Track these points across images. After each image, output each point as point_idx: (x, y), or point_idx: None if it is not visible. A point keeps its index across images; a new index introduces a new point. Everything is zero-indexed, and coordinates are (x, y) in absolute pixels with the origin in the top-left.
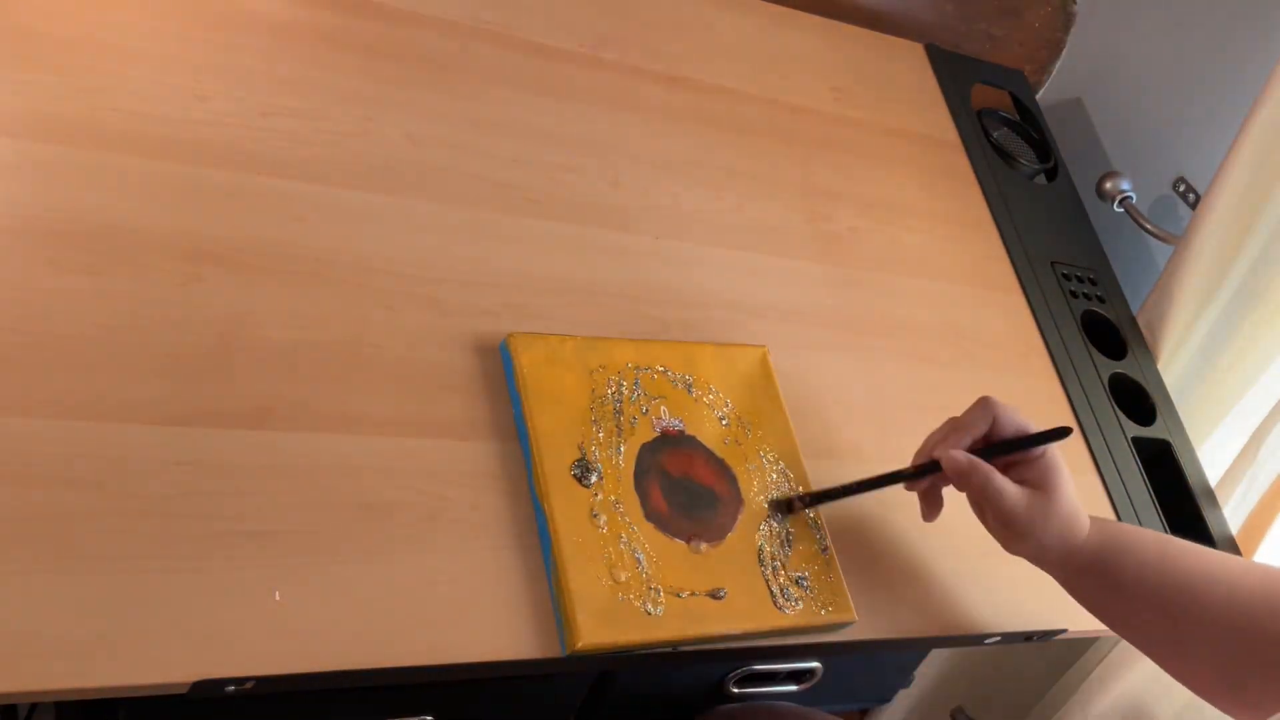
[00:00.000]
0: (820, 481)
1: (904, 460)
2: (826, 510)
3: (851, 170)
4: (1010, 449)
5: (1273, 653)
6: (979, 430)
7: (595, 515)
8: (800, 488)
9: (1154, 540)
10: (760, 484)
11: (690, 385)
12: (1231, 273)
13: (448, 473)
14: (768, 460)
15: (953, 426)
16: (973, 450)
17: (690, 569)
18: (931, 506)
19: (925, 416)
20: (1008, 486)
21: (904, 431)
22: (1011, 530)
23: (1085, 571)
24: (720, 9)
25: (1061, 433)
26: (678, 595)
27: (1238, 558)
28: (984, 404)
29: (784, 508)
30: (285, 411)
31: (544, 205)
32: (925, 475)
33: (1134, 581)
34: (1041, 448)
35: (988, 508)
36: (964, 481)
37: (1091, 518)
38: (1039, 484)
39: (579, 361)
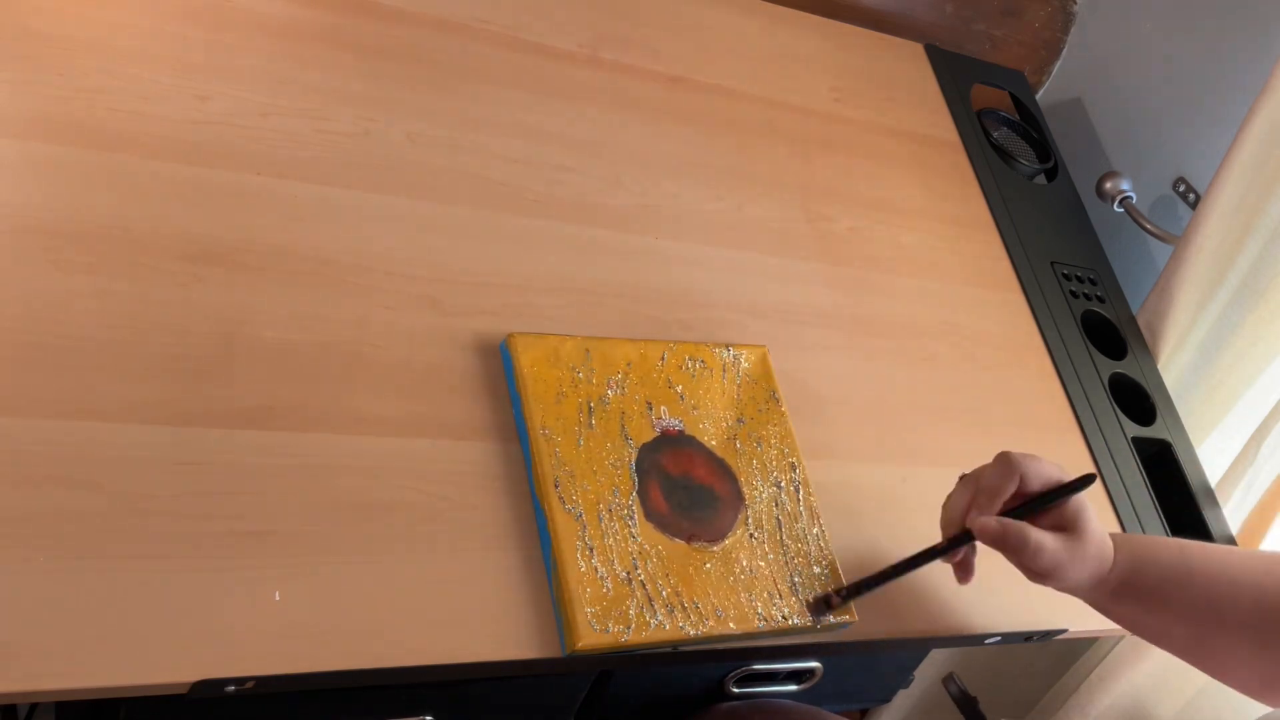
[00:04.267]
0: (820, 480)
1: (905, 458)
2: (826, 511)
3: (851, 170)
4: (1041, 504)
5: None
6: (1006, 492)
7: (595, 515)
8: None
9: (1176, 552)
10: (760, 484)
11: (690, 385)
12: (1231, 273)
13: (448, 473)
14: (769, 460)
15: (977, 488)
16: (1002, 511)
17: (690, 569)
18: (966, 572)
19: (925, 416)
20: (1045, 541)
21: (904, 431)
22: (1049, 577)
23: (1115, 596)
24: (720, 9)
25: (1088, 480)
26: (677, 595)
27: (1257, 554)
28: (1005, 461)
29: (823, 606)
30: (285, 411)
31: (544, 205)
32: (959, 547)
33: (1161, 597)
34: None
35: (1027, 563)
36: (1000, 546)
37: (1109, 535)
38: (1070, 526)
39: (579, 361)
